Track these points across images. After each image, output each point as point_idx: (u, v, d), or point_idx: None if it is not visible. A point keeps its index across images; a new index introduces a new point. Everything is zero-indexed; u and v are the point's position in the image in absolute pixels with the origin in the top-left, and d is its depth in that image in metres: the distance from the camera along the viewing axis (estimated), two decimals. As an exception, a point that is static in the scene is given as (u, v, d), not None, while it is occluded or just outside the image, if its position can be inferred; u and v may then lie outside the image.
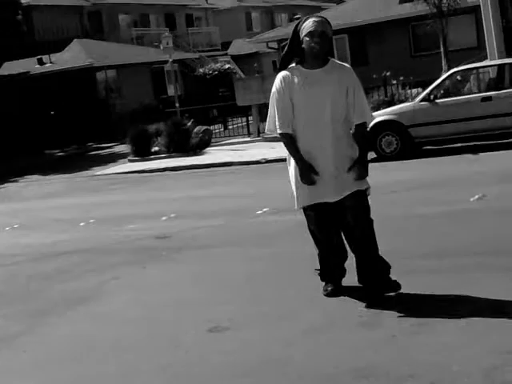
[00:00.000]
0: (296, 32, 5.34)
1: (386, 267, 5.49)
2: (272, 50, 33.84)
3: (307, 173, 5.31)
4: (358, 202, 5.37)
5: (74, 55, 32.99)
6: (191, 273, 7.30)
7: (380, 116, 14.58)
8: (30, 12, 35.73)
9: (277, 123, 5.38)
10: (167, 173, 17.98)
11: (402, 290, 5.53)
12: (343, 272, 5.75)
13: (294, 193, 5.51)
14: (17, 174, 22.39)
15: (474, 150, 13.69)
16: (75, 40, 35.07)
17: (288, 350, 4.74)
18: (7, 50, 29.91)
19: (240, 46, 44.83)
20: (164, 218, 10.81)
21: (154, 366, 4.78)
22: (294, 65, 5.41)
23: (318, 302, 5.58)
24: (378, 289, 5.40)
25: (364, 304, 5.33)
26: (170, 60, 22.77)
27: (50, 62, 32.71)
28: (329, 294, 5.65)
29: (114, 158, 22.89)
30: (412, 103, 14.57)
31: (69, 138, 29.54)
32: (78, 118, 30.26)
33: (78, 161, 24.11)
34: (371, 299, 5.32)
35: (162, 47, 23.65)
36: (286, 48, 5.51)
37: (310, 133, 5.33)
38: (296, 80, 5.31)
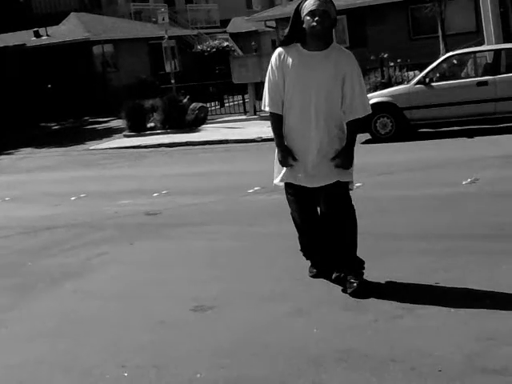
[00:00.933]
0: (297, 11, 5.08)
1: (360, 272, 5.28)
2: (270, 29, 33.63)
3: (286, 157, 5.18)
4: (336, 191, 5.17)
5: (71, 29, 32.73)
6: (179, 250, 7.27)
7: (375, 98, 14.50)
8: (27, -16, 35.42)
9: (266, 101, 5.21)
10: (162, 149, 17.92)
11: (387, 273, 5.52)
12: (327, 267, 5.57)
13: (275, 168, 5.41)
14: (11, 146, 22.29)
15: (470, 134, 13.67)
16: (72, 13, 34.77)
17: (271, 330, 4.73)
18: (3, 23, 29.64)
19: (239, 24, 44.55)
20: (155, 195, 10.78)
21: (136, 343, 4.77)
22: (295, 43, 5.16)
23: (303, 284, 5.56)
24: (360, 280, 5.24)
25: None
26: (166, 36, 22.62)
27: (47, 35, 32.46)
28: (314, 277, 5.63)
29: (109, 133, 22.81)
30: (408, 86, 14.51)
31: (65, 111, 29.41)
32: (74, 92, 30.11)
33: (74, 134, 24.00)
34: (354, 288, 5.18)
35: (158, 23, 23.42)
36: (287, 28, 5.24)
37: (297, 116, 5.13)
38: (291, 59, 5.08)
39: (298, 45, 5.12)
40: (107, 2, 40.88)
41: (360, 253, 5.34)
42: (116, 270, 6.74)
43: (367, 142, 14.34)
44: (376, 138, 14.27)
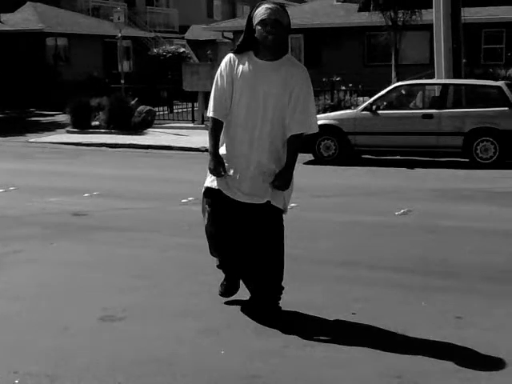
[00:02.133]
0: (250, 19, 4.81)
1: (278, 297, 5.10)
2: (228, 40, 33.56)
3: (217, 167, 4.85)
4: (267, 213, 4.89)
5: (25, 17, 32.15)
6: (99, 255, 7.03)
7: (322, 120, 14.46)
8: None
9: (211, 106, 4.91)
10: (104, 148, 17.59)
11: (304, 299, 5.40)
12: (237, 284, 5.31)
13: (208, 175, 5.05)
14: None
15: (411, 165, 13.73)
16: (28, 2, 34.16)
17: (177, 348, 4.54)
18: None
19: (198, 32, 44.35)
20: (86, 195, 10.51)
21: (35, 349, 4.54)
22: (247, 51, 4.87)
23: (219, 302, 5.38)
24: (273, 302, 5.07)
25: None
26: (119, 35, 22.28)
27: (0, 22, 31.77)
28: (224, 294, 5.34)
29: (53, 127, 22.38)
30: (354, 111, 14.55)
31: (11, 101, 28.78)
32: (23, 82, 29.51)
33: (16, 125, 23.44)
34: (269, 313, 5.02)
35: (113, 21, 23.14)
36: (242, 36, 4.95)
37: (240, 125, 4.85)
38: (242, 66, 4.79)
39: (251, 53, 4.82)
40: (66, -5, 40.30)
41: (278, 275, 5.19)
42: (29, 270, 6.47)
43: (310, 162, 14.30)
44: (319, 160, 14.25)
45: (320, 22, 27.84)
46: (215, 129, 4.90)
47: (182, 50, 36.11)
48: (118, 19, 22.74)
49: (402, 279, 6.08)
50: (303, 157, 14.54)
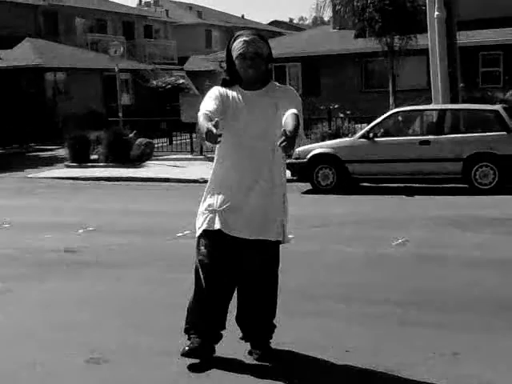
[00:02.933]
0: (229, 51, 4.66)
1: (270, 336, 4.89)
2: (222, 70, 33.65)
3: (211, 129, 4.11)
4: (265, 252, 4.62)
5: (24, 53, 32.31)
6: (89, 292, 6.91)
7: (319, 148, 14.45)
8: (-18, 5, 34.92)
9: (201, 107, 4.50)
10: (102, 182, 17.51)
11: (296, 336, 5.26)
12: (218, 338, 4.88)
13: (197, 219, 4.67)
14: None
15: (410, 192, 13.61)
16: (27, 38, 34.37)
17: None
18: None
19: (198, 63, 44.60)
20: (81, 231, 10.40)
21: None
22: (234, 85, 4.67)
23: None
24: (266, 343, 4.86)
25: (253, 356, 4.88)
26: (117, 69, 22.33)
27: (-1, 58, 31.94)
28: (186, 353, 4.75)
29: (52, 162, 22.32)
30: (351, 139, 14.48)
31: (11, 136, 28.74)
32: (22, 117, 29.49)
33: (15, 161, 23.38)
34: (259, 355, 4.81)
35: (110, 55, 23.21)
36: (224, 70, 4.82)
37: (233, 158, 4.58)
38: (230, 97, 4.58)
39: (237, 85, 4.66)
40: (65, 30, 40.58)
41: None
42: (14, 310, 6.36)
43: (307, 192, 14.20)
44: (316, 189, 14.14)
45: (317, 49, 27.90)
46: (203, 117, 4.37)
47: (181, 81, 36.23)
48: (115, 53, 22.80)
49: (397, 314, 5.92)
50: (301, 186, 14.47)
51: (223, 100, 4.57)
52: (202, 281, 4.66)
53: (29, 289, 7.13)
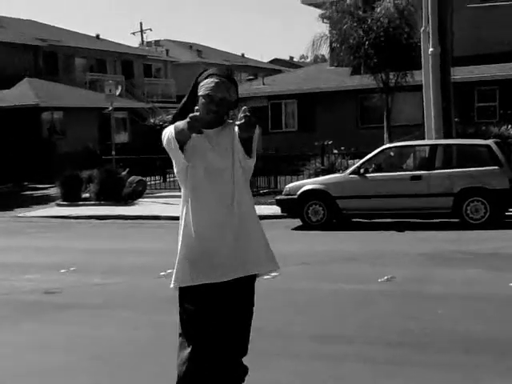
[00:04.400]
0: (196, 84, 4.31)
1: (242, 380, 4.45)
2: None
3: (194, 118, 3.86)
4: (246, 293, 4.24)
5: (22, 93, 32.39)
6: (64, 336, 6.73)
7: (309, 184, 14.31)
8: (-18, 46, 35.17)
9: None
10: (92, 221, 17.35)
11: (272, 378, 5.04)
12: None
13: (175, 266, 4.25)
14: None
15: (401, 227, 13.41)
16: (26, 78, 34.50)
17: None
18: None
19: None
20: (63, 271, 10.21)
21: None
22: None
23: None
24: None
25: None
26: (111, 107, 22.34)
27: (-3, 98, 32.02)
28: None
29: (44, 200, 22.18)
30: (342, 175, 14.34)
31: (6, 175, 28.69)
32: (18, 156, 29.47)
33: (7, 200, 23.27)
34: None
35: (104, 94, 23.25)
36: (182, 103, 4.42)
37: (201, 198, 4.23)
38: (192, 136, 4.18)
39: None
40: (64, 69, 40.81)
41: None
42: (-14, 355, 6.16)
43: (298, 228, 14.01)
44: (307, 225, 13.95)
45: (313, 86, 27.91)
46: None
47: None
48: (110, 91, 22.83)
49: (380, 354, 5.72)
50: (291, 222, 14.30)
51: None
52: (195, 338, 4.20)
53: (8, 331, 7.02)
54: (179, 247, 4.23)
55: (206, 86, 4.23)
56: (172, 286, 4.16)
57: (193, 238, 4.21)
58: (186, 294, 4.14)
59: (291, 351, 5.86)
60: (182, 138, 4.03)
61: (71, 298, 8.50)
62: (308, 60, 59.37)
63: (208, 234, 4.21)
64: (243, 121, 3.78)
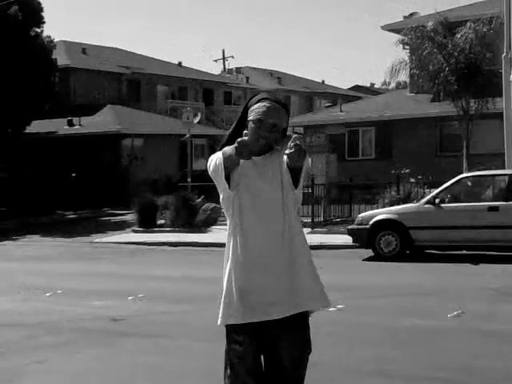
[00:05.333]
0: (246, 109, 4.08)
1: None
2: (297, 135, 33.52)
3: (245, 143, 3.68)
4: (300, 331, 3.93)
5: (104, 120, 33.20)
6: (125, 364, 6.72)
7: (383, 214, 14.05)
8: (68, 74, 36.26)
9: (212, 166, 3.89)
10: (165, 247, 17.50)
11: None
12: None
13: (221, 301, 3.96)
14: (21, 232, 22.14)
15: (476, 260, 12.98)
16: (108, 105, 35.40)
17: None
18: (38, 110, 30.10)
19: (275, 128, 44.84)
20: (130, 298, 10.26)
21: None
22: None
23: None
24: None
25: None
26: (188, 135, 22.62)
27: (80, 125, 32.93)
28: None
29: (120, 226, 22.56)
30: (416, 205, 14.01)
31: (86, 201, 29.33)
32: (98, 182, 30.13)
33: (85, 225, 23.79)
34: None
35: (182, 121, 23.58)
36: (232, 125, 4.19)
37: (248, 230, 3.97)
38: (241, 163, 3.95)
39: None
40: (146, 96, 41.68)
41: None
42: (47, 381, 6.24)
43: (369, 259, 13.73)
44: (379, 256, 13.67)
45: (392, 113, 27.56)
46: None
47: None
48: (188, 119, 23.14)
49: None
50: (364, 252, 14.03)
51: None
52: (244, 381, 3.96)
53: (62, 359, 7.01)
54: (225, 281, 3.95)
55: (256, 110, 4.01)
56: (219, 322, 3.93)
57: (240, 272, 3.93)
58: (234, 333, 3.89)
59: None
60: (229, 165, 3.82)
61: (135, 326, 8.50)
62: (390, 87, 58.89)
63: (257, 269, 3.93)
64: (293, 150, 3.56)
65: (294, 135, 3.64)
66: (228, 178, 3.89)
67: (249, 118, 4.02)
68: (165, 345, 7.47)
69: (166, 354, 7.05)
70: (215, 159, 3.95)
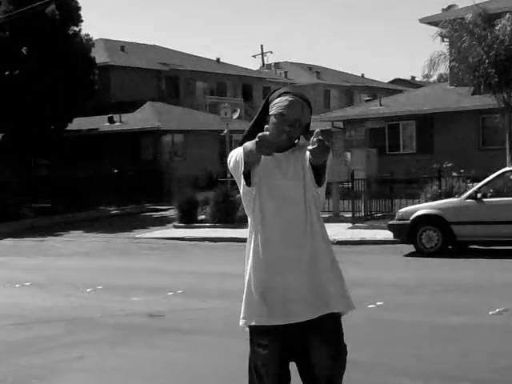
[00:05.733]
0: (267, 104, 3.91)
1: None
2: (337, 129, 33.32)
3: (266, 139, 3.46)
4: (333, 336, 3.73)
5: (144, 117, 33.41)
6: (161, 361, 6.73)
7: (424, 209, 13.86)
8: (107, 72, 36.54)
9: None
10: (205, 243, 17.53)
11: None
12: None
13: (243, 301, 3.78)
14: (65, 228, 22.42)
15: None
16: (148, 102, 35.60)
17: None
18: (79, 107, 30.43)
19: (315, 122, 44.72)
20: (170, 294, 10.30)
21: None
22: None
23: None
24: None
25: None
26: (226, 131, 22.63)
27: (120, 122, 33.20)
28: None
29: (162, 222, 22.65)
30: (458, 199, 13.78)
31: (128, 196, 29.58)
32: (139, 178, 30.36)
33: (127, 221, 23.98)
34: None
35: (220, 117, 23.61)
36: (252, 121, 4.01)
37: (269, 228, 3.81)
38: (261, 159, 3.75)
39: None
40: (185, 93, 41.84)
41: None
42: (82, 378, 6.27)
43: (410, 254, 13.57)
44: (420, 252, 13.49)
45: (432, 107, 27.20)
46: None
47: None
48: (225, 114, 23.13)
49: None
50: (405, 248, 13.88)
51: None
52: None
53: (100, 356, 7.05)
54: (246, 280, 3.78)
55: (278, 104, 3.83)
56: (241, 323, 3.74)
57: (260, 269, 3.77)
58: (257, 335, 3.68)
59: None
60: (250, 160, 3.62)
61: (172, 322, 8.50)
62: (431, 80, 58.24)
63: (278, 267, 3.78)
64: (316, 146, 3.38)
65: (317, 130, 3.46)
66: (249, 174, 3.70)
67: (270, 113, 3.85)
68: (201, 342, 7.45)
69: (201, 352, 7.03)
70: (236, 155, 3.79)
